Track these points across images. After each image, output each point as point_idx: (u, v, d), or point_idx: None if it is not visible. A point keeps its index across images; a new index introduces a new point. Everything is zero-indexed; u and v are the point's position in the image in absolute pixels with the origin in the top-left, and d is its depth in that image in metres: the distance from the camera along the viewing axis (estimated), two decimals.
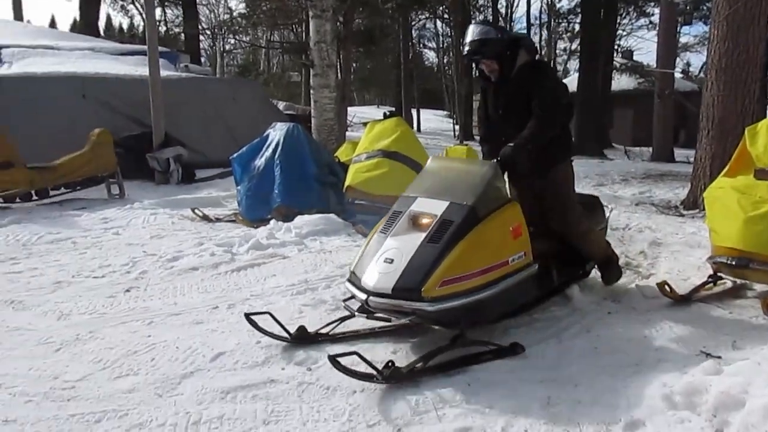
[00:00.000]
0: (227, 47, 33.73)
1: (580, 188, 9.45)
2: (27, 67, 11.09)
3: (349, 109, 19.99)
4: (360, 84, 40.53)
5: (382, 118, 7.44)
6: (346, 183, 6.52)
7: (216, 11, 35.31)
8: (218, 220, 7.04)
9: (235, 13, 24.83)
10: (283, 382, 3.13)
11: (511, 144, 3.66)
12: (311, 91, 10.29)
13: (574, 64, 34.41)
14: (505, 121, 3.93)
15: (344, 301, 3.57)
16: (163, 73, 10.58)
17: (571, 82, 25.99)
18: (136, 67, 11.79)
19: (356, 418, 2.79)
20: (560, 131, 3.89)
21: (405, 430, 2.71)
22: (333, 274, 4.82)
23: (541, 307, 3.98)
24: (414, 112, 31.22)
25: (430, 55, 46.53)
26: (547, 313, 3.97)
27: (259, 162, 6.95)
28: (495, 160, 3.65)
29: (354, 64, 14.63)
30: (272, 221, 6.36)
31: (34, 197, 7.96)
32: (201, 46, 28.17)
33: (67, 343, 3.73)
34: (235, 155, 7.18)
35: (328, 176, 7.02)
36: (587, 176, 11.47)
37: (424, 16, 29.56)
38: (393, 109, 27.52)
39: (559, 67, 35.12)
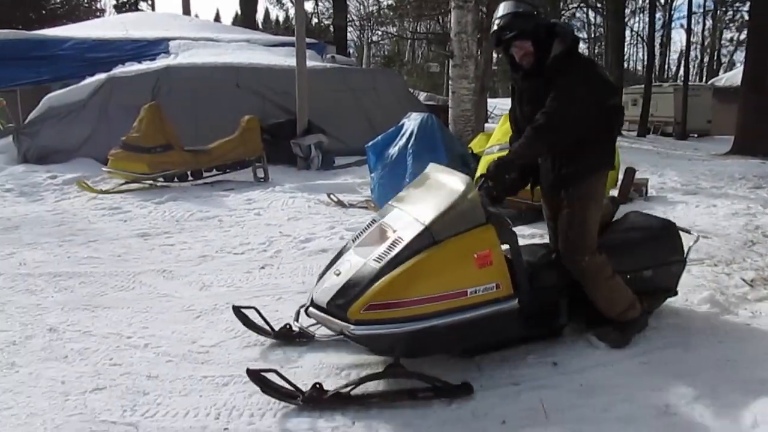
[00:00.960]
0: (374, 38, 34.51)
1: (733, 190, 8.93)
2: (190, 58, 12.04)
3: (489, 100, 19.76)
4: (504, 75, 39.85)
5: None
6: (477, 174, 6.49)
7: (365, 3, 36.22)
8: (351, 205, 7.29)
9: (383, 5, 25.30)
10: None
11: (500, 156, 3.20)
12: (449, 82, 10.32)
13: (740, 55, 31.65)
14: (530, 122, 3.17)
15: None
16: (310, 63, 11.06)
17: (736, 75, 24.06)
18: (286, 58, 12.40)
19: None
20: (599, 135, 3.21)
21: None
22: None
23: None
24: None
25: (580, 46, 44.67)
26: (672, 318, 3.76)
27: (393, 151, 7.09)
28: (477, 176, 3.34)
29: (497, 56, 14.35)
30: None
31: (190, 178, 8.68)
32: (349, 37, 29.08)
33: (206, 312, 4.08)
34: (370, 144, 7.39)
35: (459, 167, 7.02)
36: (743, 177, 10.57)
37: (574, 5, 28.50)
38: None
39: (724, 59, 32.45)
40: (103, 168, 8.73)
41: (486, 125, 15.12)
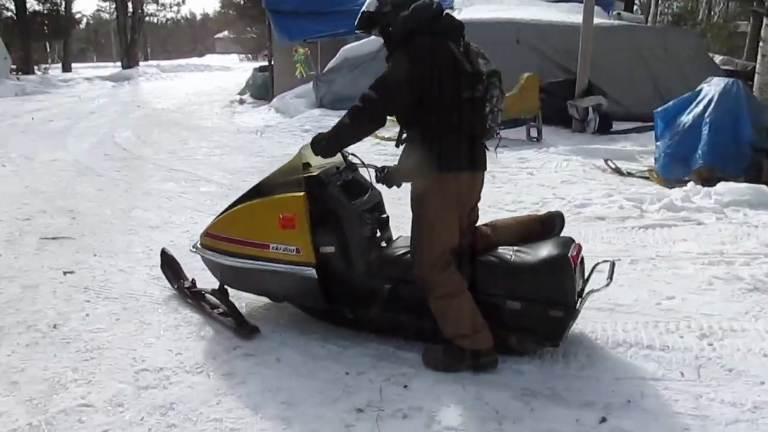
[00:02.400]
0: None
1: None
2: (473, 14, 12.18)
3: None
4: None
5: None
6: None
7: None
8: (630, 174, 6.86)
9: None
10: None
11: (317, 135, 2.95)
12: (760, 44, 9.03)
13: None
14: None
15: None
16: (596, 20, 10.49)
17: None
18: (569, 14, 11.93)
19: None
20: (440, 131, 2.72)
21: None
22: (755, 251, 4.31)
23: None
24: None
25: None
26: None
27: (686, 119, 6.47)
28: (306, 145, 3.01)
29: None
30: (690, 183, 5.92)
31: None
32: None
33: None
34: (659, 109, 6.82)
35: (765, 141, 6.19)
36: None
37: None
38: None
39: None
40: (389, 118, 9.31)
41: None
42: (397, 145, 2.94)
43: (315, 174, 3.06)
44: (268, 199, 3.11)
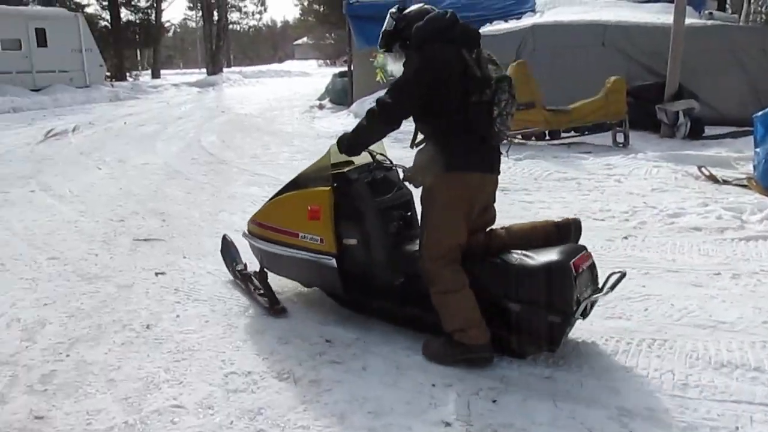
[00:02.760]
0: None
1: None
2: (556, 16, 11.91)
3: None
4: None
5: None
6: None
7: None
8: (726, 182, 6.49)
9: None
10: None
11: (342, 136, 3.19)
12: None
13: None
14: None
15: None
16: (687, 20, 10.03)
17: None
18: (657, 15, 11.47)
19: None
20: (451, 133, 2.88)
21: None
22: None
23: None
24: None
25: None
26: None
27: None
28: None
29: None
30: None
31: (547, 137, 8.68)
32: None
33: None
34: (760, 113, 6.41)
35: None
36: None
37: None
38: None
39: None
40: None
41: None
42: (411, 146, 3.10)
43: (343, 171, 3.29)
44: (300, 192, 3.42)
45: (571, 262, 2.78)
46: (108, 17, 31.92)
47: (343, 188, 3.26)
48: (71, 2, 30.44)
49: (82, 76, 21.05)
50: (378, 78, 13.52)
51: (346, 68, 17.33)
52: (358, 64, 15.69)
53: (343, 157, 3.26)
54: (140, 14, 34.40)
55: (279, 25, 76.14)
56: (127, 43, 32.92)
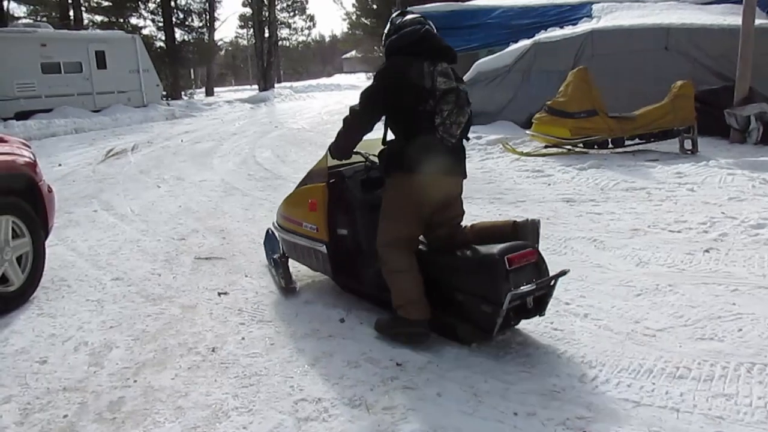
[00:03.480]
0: None
1: None
2: (615, 20, 11.57)
3: None
4: None
5: None
6: None
7: None
8: None
9: None
10: None
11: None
12: None
13: None
14: None
15: None
16: (756, 21, 9.57)
17: None
18: (723, 16, 11.02)
19: None
20: (405, 138, 3.23)
21: None
22: None
23: None
24: None
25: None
26: None
27: None
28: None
29: None
30: None
31: (610, 145, 8.37)
32: None
33: (647, 291, 3.81)
34: None
35: None
36: None
37: None
38: None
39: None
40: (527, 131, 9.00)
41: None
42: (383, 143, 3.37)
43: (337, 170, 3.74)
44: (305, 187, 3.98)
45: (506, 257, 3.00)
46: (163, 38, 32.83)
47: (338, 184, 3.72)
48: (128, 24, 31.44)
49: (140, 96, 21.62)
50: None
51: None
52: None
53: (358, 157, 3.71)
54: (194, 34, 35.26)
55: (327, 39, 77.04)
56: (181, 62, 33.75)
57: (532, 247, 3.15)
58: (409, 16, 3.38)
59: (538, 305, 3.14)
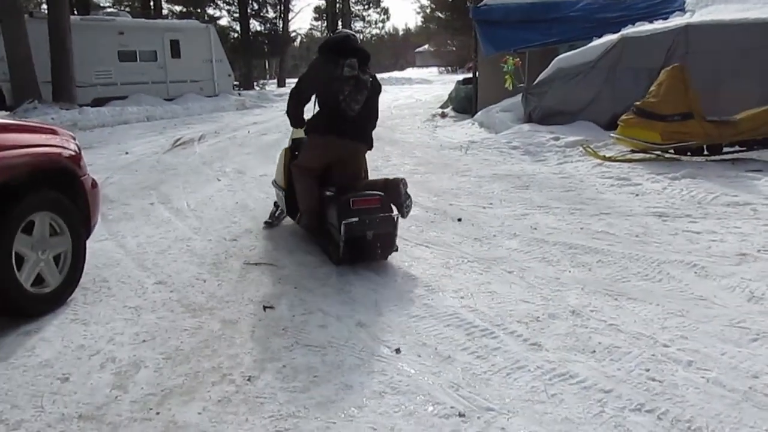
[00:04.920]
0: None
1: None
2: (712, 15, 10.57)
3: None
4: None
5: None
6: None
7: None
8: None
9: None
10: None
11: None
12: None
13: None
14: None
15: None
16: None
17: None
18: None
19: None
20: (319, 106, 4.67)
21: None
22: None
23: None
24: None
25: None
26: None
27: None
28: None
29: None
30: None
31: (705, 152, 7.54)
32: None
33: (766, 336, 3.16)
34: None
35: None
36: None
37: None
38: None
39: None
40: (611, 134, 8.26)
41: None
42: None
43: (297, 138, 5.13)
44: (283, 150, 5.38)
45: (351, 200, 4.24)
46: (238, 28, 33.15)
47: (292, 149, 5.18)
48: (204, 14, 31.87)
49: (212, 86, 21.78)
50: (507, 84, 12.74)
51: (469, 75, 16.64)
52: (483, 70, 14.97)
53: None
54: (268, 25, 35.48)
55: (401, 33, 76.61)
56: (255, 53, 34.03)
57: (379, 196, 4.34)
58: (340, 31, 4.92)
59: (383, 247, 4.29)
